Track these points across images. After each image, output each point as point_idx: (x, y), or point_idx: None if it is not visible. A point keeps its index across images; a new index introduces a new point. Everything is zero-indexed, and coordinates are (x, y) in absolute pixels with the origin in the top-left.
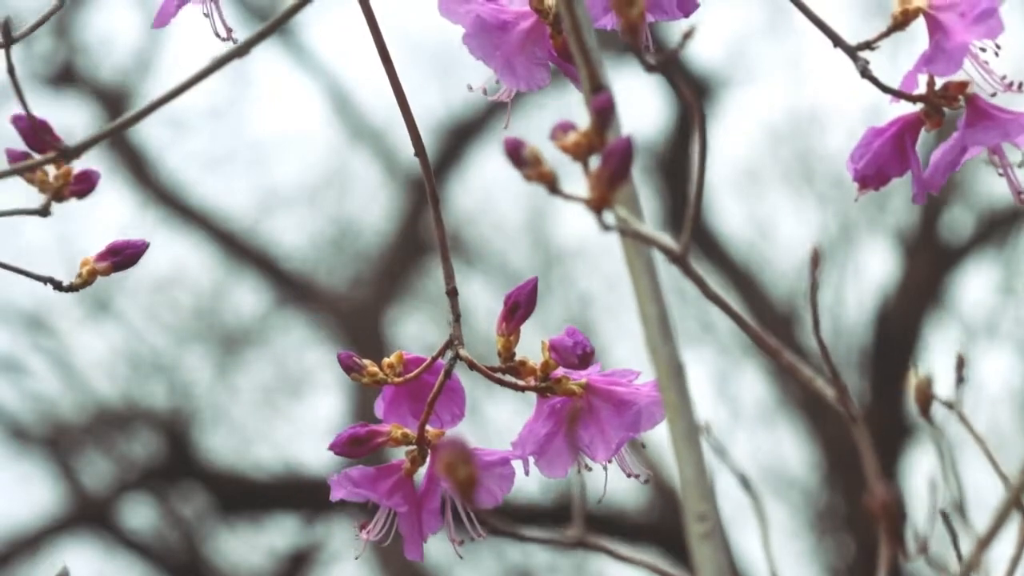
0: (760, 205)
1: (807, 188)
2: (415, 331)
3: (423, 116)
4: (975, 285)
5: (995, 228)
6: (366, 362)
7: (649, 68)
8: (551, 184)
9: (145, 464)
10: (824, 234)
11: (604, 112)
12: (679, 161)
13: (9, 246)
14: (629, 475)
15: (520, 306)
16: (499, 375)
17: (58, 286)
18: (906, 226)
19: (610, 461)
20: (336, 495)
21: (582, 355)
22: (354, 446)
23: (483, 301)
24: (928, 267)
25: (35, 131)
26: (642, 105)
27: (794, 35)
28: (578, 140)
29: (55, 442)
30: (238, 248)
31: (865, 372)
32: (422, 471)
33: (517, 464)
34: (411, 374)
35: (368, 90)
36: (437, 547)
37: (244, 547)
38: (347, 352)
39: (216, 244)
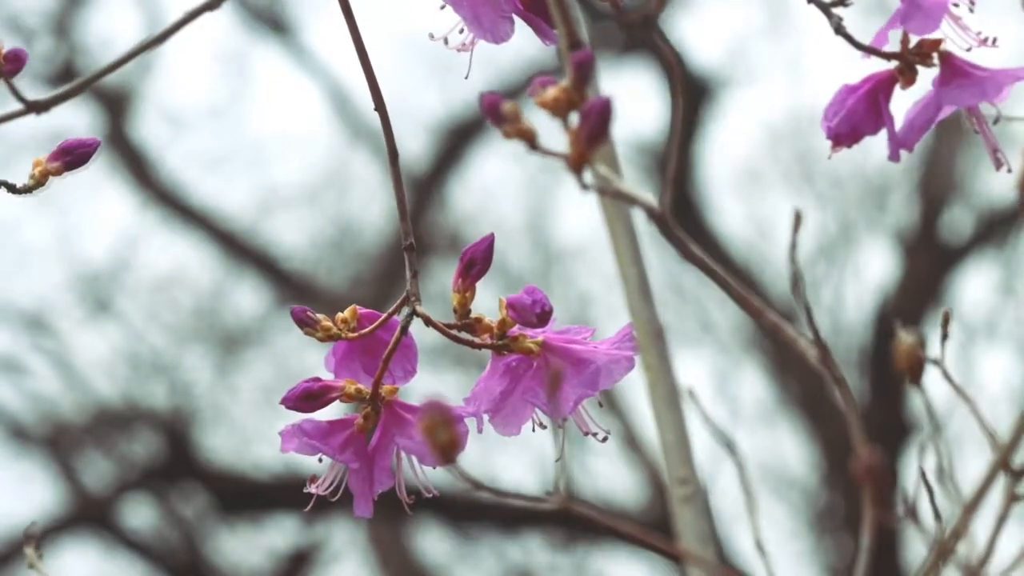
0: (760, 205)
1: (807, 188)
2: (414, 331)
3: (423, 116)
4: (975, 285)
5: (995, 228)
6: (320, 316)
7: (625, 26)
8: (530, 140)
9: (145, 464)
10: (824, 234)
11: (583, 67)
12: (679, 160)
13: (8, 246)
14: (587, 433)
15: (476, 263)
16: (455, 332)
17: (12, 188)
18: (906, 226)
19: (567, 419)
20: (287, 447)
21: (540, 313)
22: (306, 401)
23: (483, 301)
24: (928, 267)
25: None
26: (642, 105)
27: (794, 35)
28: (557, 95)
29: (55, 442)
30: (238, 248)
31: (865, 372)
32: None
33: (470, 422)
34: (366, 329)
35: (367, 91)
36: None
37: (244, 547)
38: (301, 307)
39: (216, 244)
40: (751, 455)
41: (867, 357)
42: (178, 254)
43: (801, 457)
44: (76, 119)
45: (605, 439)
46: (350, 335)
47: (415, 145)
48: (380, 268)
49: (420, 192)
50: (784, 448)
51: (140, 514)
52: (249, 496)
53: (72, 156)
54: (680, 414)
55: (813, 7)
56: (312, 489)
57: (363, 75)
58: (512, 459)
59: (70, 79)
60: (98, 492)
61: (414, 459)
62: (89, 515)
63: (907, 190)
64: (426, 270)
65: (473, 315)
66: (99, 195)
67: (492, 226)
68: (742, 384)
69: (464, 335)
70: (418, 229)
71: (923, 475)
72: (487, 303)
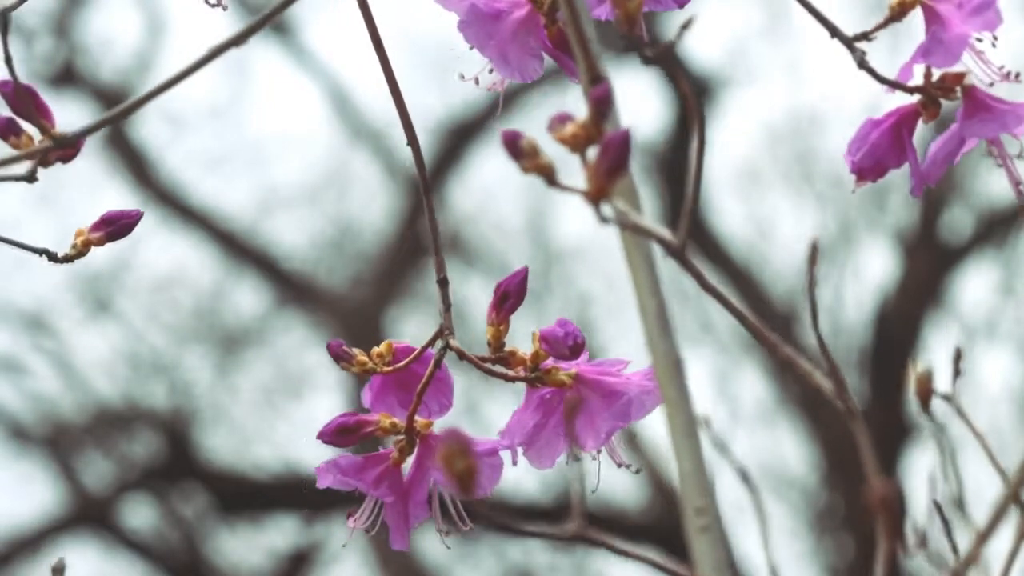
0: (760, 205)
1: (807, 188)
2: (415, 331)
3: (423, 116)
4: (975, 285)
5: (995, 228)
6: (355, 351)
7: (646, 60)
8: (549, 176)
9: (145, 464)
10: (824, 234)
11: (602, 103)
12: (679, 161)
13: (7, 246)
14: (619, 464)
15: (510, 296)
16: (488, 365)
17: (53, 257)
18: (906, 226)
19: (600, 451)
20: (323, 483)
21: (573, 346)
22: (342, 435)
23: (483, 301)
24: (928, 267)
25: (21, 97)
26: (642, 105)
27: (794, 35)
28: (576, 131)
29: (55, 442)
30: (238, 248)
31: (865, 372)
32: (409, 461)
33: (505, 455)
34: (400, 363)
35: (368, 90)
36: (437, 547)
37: (244, 547)
38: (337, 341)
39: (216, 244)
40: (751, 455)
41: (867, 357)
42: (178, 254)
43: (801, 457)
44: (76, 119)
45: (638, 471)
46: (385, 369)
47: (408, 143)
48: (380, 268)
49: (420, 192)
50: (784, 448)
51: (140, 514)
52: (249, 496)
53: (114, 227)
54: (697, 445)
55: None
56: (350, 524)
57: (396, 111)
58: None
59: (70, 79)
60: (98, 492)
61: (449, 492)
62: (89, 515)
63: (907, 190)
64: (426, 270)
65: (507, 348)
66: (99, 195)
67: (492, 226)
68: (742, 384)
69: (498, 368)
70: (418, 230)
71: (938, 507)
72: (486, 303)
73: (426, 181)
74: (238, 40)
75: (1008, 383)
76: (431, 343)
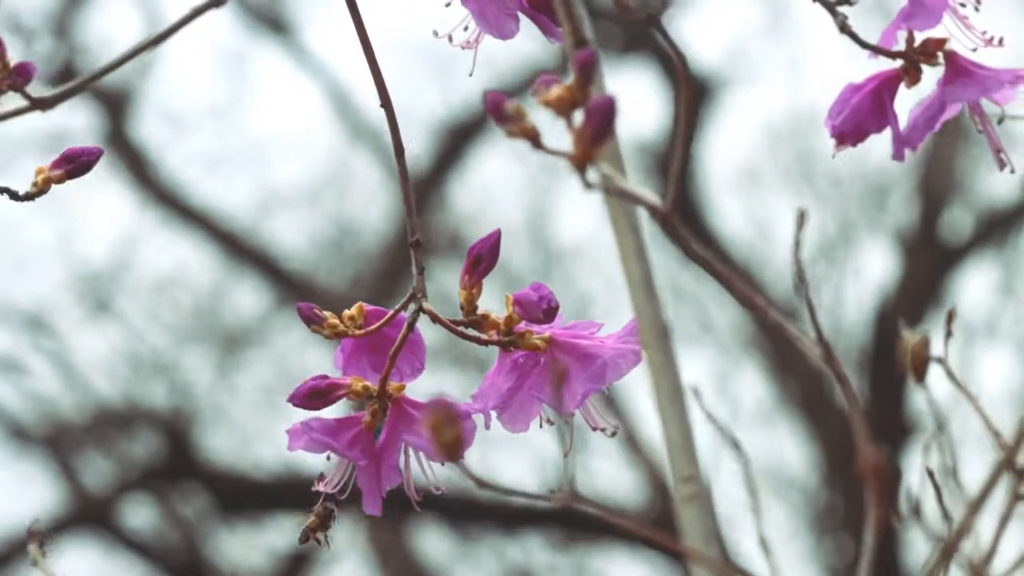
0: (760, 205)
1: (806, 188)
2: (421, 329)
3: (423, 116)
4: (975, 285)
5: (995, 228)
6: (326, 314)
7: (632, 24)
8: (534, 140)
9: (145, 464)
10: (823, 234)
11: (587, 66)
12: (683, 159)
13: (8, 246)
14: (595, 428)
15: (483, 259)
16: (461, 328)
17: (14, 195)
18: (906, 226)
19: (573, 415)
20: (294, 445)
21: (547, 309)
22: (314, 399)
23: (483, 301)
24: (928, 267)
25: None
26: (642, 105)
27: (794, 35)
28: (561, 95)
29: (55, 442)
30: (238, 248)
31: (865, 372)
32: (382, 424)
33: (478, 419)
34: (373, 326)
35: (368, 90)
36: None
37: (244, 547)
38: (307, 304)
39: (216, 244)
40: (751, 455)
41: (867, 357)
42: (178, 254)
43: (801, 457)
44: (76, 119)
45: (614, 434)
46: (357, 332)
47: (415, 145)
48: (380, 268)
49: (420, 192)
50: (784, 448)
51: (140, 514)
52: (249, 496)
53: (74, 164)
54: (684, 412)
55: (816, 6)
56: (320, 487)
57: (369, 72)
58: (511, 458)
59: (70, 79)
60: (98, 492)
61: (422, 456)
62: (89, 515)
63: (907, 190)
64: (427, 270)
65: (480, 311)
66: (99, 195)
67: (492, 226)
68: (742, 384)
69: (471, 331)
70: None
71: (929, 474)
72: (488, 303)
73: (399, 141)
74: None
75: (1008, 383)
76: (403, 306)
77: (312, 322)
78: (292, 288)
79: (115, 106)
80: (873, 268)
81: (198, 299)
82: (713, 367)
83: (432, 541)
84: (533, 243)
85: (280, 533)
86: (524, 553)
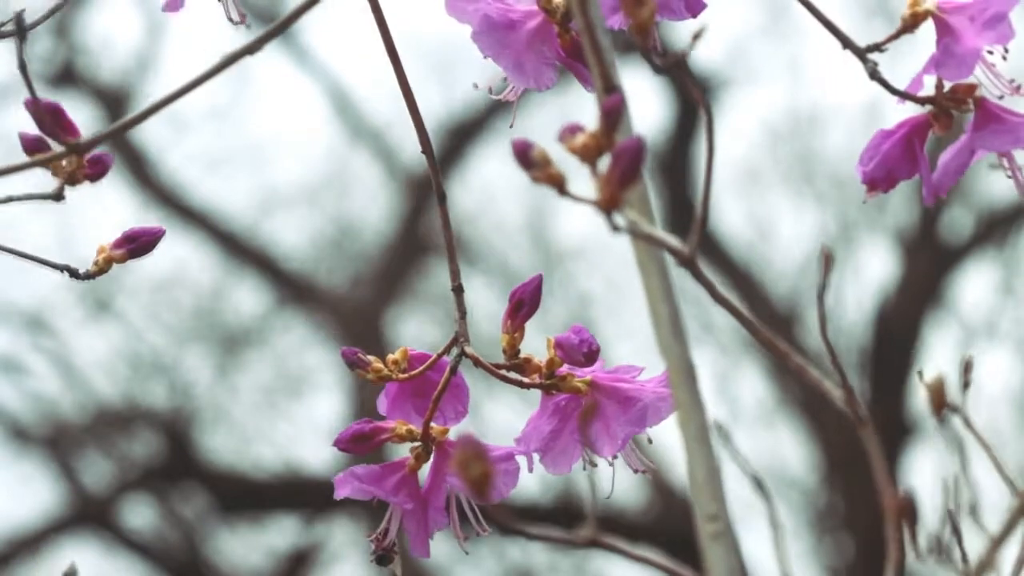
0: (760, 205)
1: (807, 188)
2: (415, 331)
3: (424, 116)
4: (975, 285)
5: (995, 228)
6: (371, 358)
7: (658, 69)
8: (560, 186)
9: (145, 464)
10: (824, 234)
11: (613, 113)
12: (680, 161)
13: (10, 245)
14: (636, 471)
15: (525, 303)
16: (504, 372)
17: (75, 274)
18: (906, 226)
19: (615, 457)
20: (341, 493)
21: (588, 352)
22: (358, 442)
23: (484, 301)
24: (928, 267)
25: (46, 116)
26: (642, 106)
27: (794, 35)
28: (586, 142)
29: (55, 442)
30: (238, 248)
31: (865, 372)
32: (426, 468)
33: (521, 460)
34: (416, 371)
35: (368, 90)
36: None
37: (244, 547)
38: (351, 348)
39: (216, 244)
40: (751, 455)
41: (867, 357)
42: (178, 254)
43: (801, 457)
44: (76, 119)
45: (652, 476)
46: (401, 376)
47: (416, 145)
48: (380, 268)
49: (420, 192)
50: (784, 448)
51: (140, 514)
52: (249, 496)
53: (136, 244)
54: (710, 451)
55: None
56: (374, 546)
57: (411, 120)
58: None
59: (70, 79)
60: (98, 492)
61: (467, 498)
62: (89, 515)
63: (907, 190)
64: (427, 271)
65: (522, 355)
66: (99, 195)
67: (493, 226)
68: (742, 384)
69: (513, 375)
70: (419, 229)
71: (951, 516)
72: (487, 303)
73: (440, 187)
74: (252, 48)
75: (1008, 383)
76: (447, 350)
77: (356, 366)
78: (292, 288)
79: (115, 106)
80: (873, 268)
81: (198, 299)
82: (713, 367)
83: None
84: (533, 243)
85: (280, 533)
86: (524, 553)
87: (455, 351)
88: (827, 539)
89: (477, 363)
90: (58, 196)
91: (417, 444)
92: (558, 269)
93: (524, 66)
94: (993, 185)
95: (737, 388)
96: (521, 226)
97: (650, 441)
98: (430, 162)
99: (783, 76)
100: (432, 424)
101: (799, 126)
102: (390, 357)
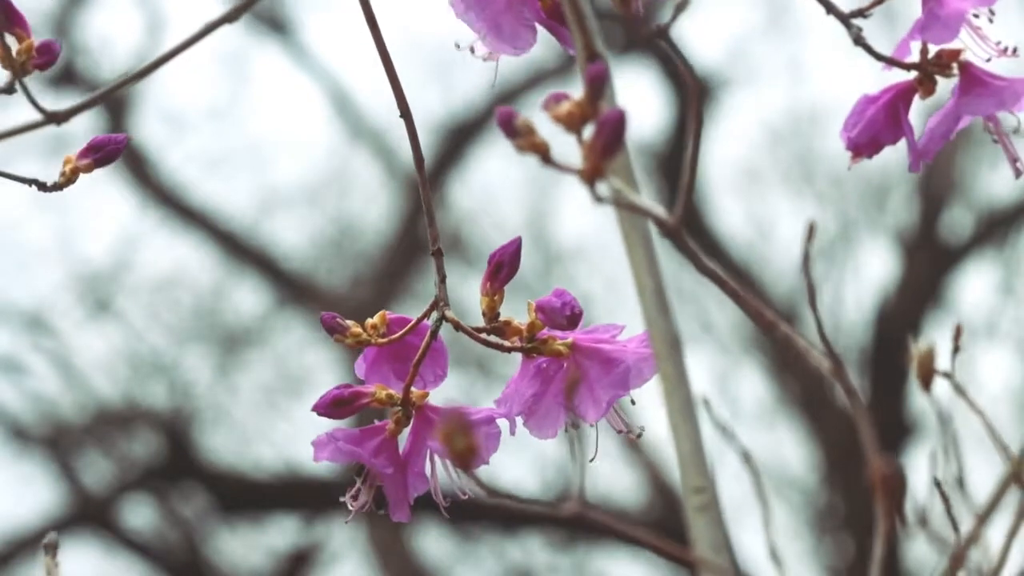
0: (760, 205)
1: (806, 188)
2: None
3: (423, 116)
4: (975, 285)
5: (995, 228)
6: (349, 323)
7: (641, 40)
8: (544, 154)
9: (145, 464)
10: (823, 234)
11: (598, 81)
12: (679, 161)
13: (8, 246)
14: (620, 431)
15: (504, 265)
16: (484, 335)
17: (43, 186)
18: (906, 226)
19: (597, 421)
20: (320, 456)
21: (571, 316)
22: (337, 407)
23: (475, 301)
24: (928, 267)
25: None
26: (642, 106)
27: (794, 35)
28: (571, 110)
29: (55, 442)
30: (238, 248)
31: (865, 372)
32: (406, 432)
33: (503, 424)
34: (396, 335)
35: (368, 90)
36: (438, 546)
37: (244, 547)
38: (330, 313)
39: (216, 244)
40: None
41: (867, 357)
42: (178, 254)
43: (801, 457)
44: (76, 119)
45: (639, 436)
46: (380, 341)
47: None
48: (380, 268)
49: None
50: (784, 448)
51: (140, 514)
52: (249, 496)
53: (101, 153)
54: (696, 424)
55: (819, 8)
56: (350, 504)
57: (388, 82)
58: (511, 459)
59: (71, 79)
60: (98, 492)
61: (448, 463)
62: (89, 515)
63: (907, 190)
64: (427, 270)
65: (502, 318)
66: (99, 195)
67: (492, 226)
68: (742, 384)
69: (493, 338)
70: (419, 229)
71: (937, 484)
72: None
73: (419, 153)
74: (231, 16)
75: (1008, 383)
76: (426, 314)
77: (335, 331)
78: (292, 288)
79: (115, 106)
80: (873, 268)
81: (198, 299)
82: (713, 367)
83: (432, 541)
84: (533, 243)
85: (280, 533)
86: (524, 553)
87: (435, 315)
88: (827, 539)
89: (457, 327)
90: (9, 89)
91: (397, 408)
92: (558, 269)
93: (501, 27)
94: (993, 185)
95: (737, 388)
96: (521, 226)
97: (633, 402)
98: (409, 128)
99: (783, 76)
100: (412, 388)
101: (799, 126)
102: (369, 321)
